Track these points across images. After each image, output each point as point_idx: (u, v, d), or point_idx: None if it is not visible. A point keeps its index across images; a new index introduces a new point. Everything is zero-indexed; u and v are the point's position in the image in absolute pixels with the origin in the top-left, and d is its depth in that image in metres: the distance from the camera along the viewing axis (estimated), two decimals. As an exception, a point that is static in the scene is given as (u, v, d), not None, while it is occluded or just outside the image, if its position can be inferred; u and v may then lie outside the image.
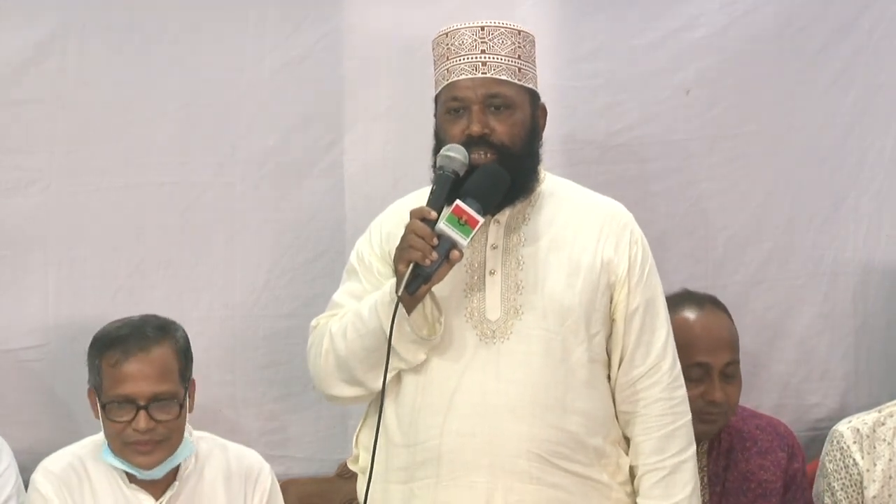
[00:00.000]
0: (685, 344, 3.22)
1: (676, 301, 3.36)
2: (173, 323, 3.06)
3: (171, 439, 2.95)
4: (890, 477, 3.32)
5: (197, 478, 3.06)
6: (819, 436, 3.66)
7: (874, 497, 3.31)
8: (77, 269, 3.42)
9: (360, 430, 3.01)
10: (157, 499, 3.01)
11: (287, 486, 3.44)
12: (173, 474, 3.02)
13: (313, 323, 3.02)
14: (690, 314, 3.37)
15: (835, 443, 3.35)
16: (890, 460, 3.32)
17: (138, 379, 2.92)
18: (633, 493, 2.92)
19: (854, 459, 3.32)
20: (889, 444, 3.33)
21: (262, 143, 3.50)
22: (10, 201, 3.37)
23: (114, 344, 2.96)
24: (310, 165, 3.53)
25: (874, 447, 3.33)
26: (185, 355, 3.01)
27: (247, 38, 3.47)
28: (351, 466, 3.04)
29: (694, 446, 2.94)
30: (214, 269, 3.50)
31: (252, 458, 3.15)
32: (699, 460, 3.35)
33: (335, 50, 3.52)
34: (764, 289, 3.63)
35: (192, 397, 3.04)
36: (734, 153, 3.72)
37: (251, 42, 3.47)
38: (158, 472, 2.97)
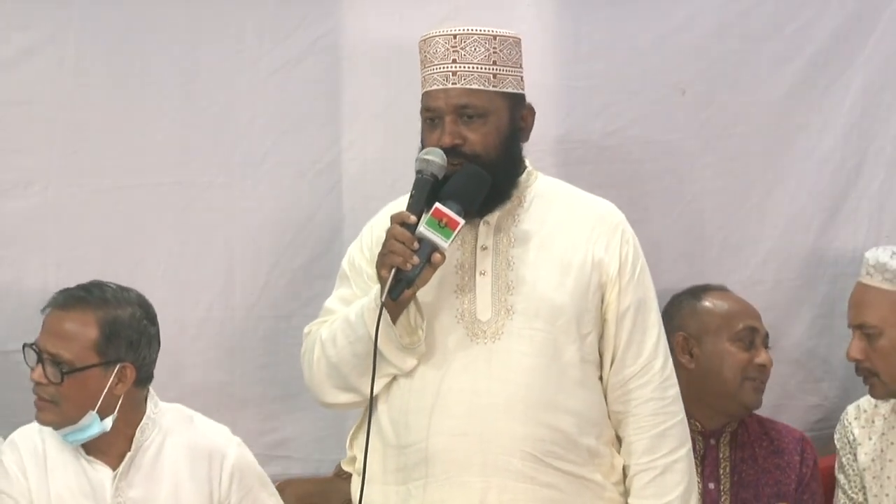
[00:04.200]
0: (731, 311, 3.44)
1: (700, 288, 3.53)
2: (127, 298, 3.00)
3: (59, 405, 2.92)
4: (882, 451, 3.34)
5: (157, 450, 3.00)
6: (819, 436, 3.68)
7: (865, 469, 3.36)
8: (77, 270, 3.38)
9: (355, 431, 3.01)
10: (113, 469, 2.98)
11: (285, 485, 3.44)
12: (128, 444, 2.98)
13: (306, 330, 3.02)
14: (724, 290, 3.52)
15: (842, 419, 3.46)
16: (883, 434, 3.35)
17: (46, 331, 2.95)
18: (627, 493, 2.91)
19: (854, 434, 3.41)
20: (885, 418, 3.37)
21: (261, 143, 3.50)
22: (10, 201, 3.36)
23: (55, 296, 3.00)
24: (308, 165, 3.53)
25: (872, 422, 3.40)
26: (110, 330, 2.94)
27: (245, 38, 3.47)
28: (346, 467, 3.04)
29: (688, 446, 2.93)
30: (214, 269, 3.50)
31: (218, 435, 3.08)
32: (722, 450, 3.40)
33: (334, 50, 3.52)
34: (763, 290, 3.63)
35: (123, 382, 2.94)
36: (731, 153, 3.73)
37: (250, 42, 3.47)
38: (70, 438, 2.94)
